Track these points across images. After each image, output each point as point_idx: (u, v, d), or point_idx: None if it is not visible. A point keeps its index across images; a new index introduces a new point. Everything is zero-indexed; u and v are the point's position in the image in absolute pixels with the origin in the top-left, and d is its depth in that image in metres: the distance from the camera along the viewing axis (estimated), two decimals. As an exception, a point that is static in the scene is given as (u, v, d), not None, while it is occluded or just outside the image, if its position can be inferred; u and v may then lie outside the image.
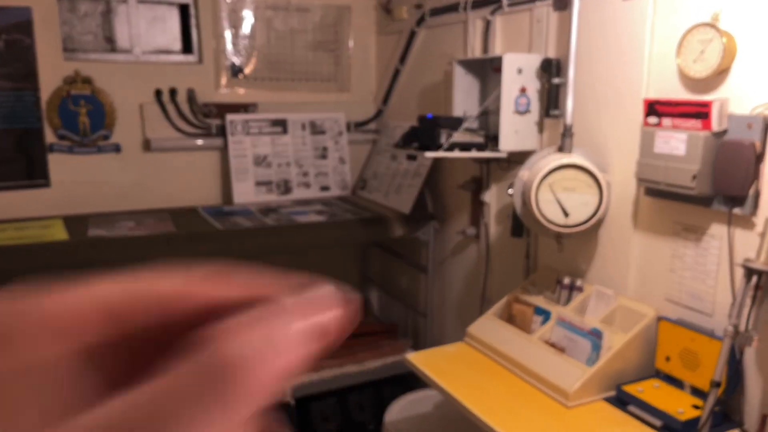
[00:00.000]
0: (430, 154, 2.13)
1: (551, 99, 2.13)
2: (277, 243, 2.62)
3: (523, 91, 2.18)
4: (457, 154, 2.17)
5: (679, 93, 1.67)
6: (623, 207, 1.89)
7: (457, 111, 2.42)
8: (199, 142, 3.09)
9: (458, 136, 2.17)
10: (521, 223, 2.29)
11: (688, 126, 1.54)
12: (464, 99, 2.46)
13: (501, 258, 2.56)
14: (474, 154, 2.21)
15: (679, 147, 1.55)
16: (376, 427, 2.95)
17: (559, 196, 1.85)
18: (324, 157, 3.32)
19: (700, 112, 1.50)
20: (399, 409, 2.47)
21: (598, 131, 1.95)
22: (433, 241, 2.94)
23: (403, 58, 3.20)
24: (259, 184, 3.13)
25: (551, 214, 1.86)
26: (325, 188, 3.31)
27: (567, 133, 1.93)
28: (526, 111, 2.21)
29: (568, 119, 1.93)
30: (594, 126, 1.96)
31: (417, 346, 3.10)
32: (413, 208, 2.84)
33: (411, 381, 2.96)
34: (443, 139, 2.15)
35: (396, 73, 3.28)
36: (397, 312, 3.43)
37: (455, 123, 2.20)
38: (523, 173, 1.98)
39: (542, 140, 2.24)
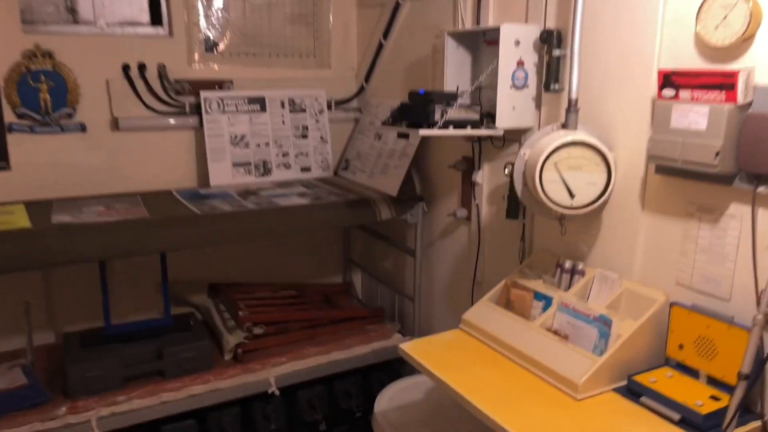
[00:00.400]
0: (424, 132, 2.00)
1: (551, 72, 2.01)
2: (258, 227, 2.46)
3: (520, 64, 2.06)
4: (452, 131, 2.04)
5: (695, 63, 1.55)
6: (630, 186, 1.79)
7: (450, 86, 2.29)
8: (172, 121, 2.91)
9: (453, 113, 2.04)
10: (517, 205, 2.18)
11: (710, 98, 1.42)
12: (456, 74, 2.32)
13: (494, 241, 2.45)
14: (469, 131, 2.08)
15: (699, 121, 1.44)
16: (363, 413, 2.86)
17: (564, 176, 1.74)
18: (304, 136, 3.17)
19: (724, 83, 1.38)
20: (388, 398, 2.37)
21: (603, 106, 1.84)
22: (421, 224, 2.83)
23: (386, 32, 3.05)
24: (236, 165, 2.97)
25: (556, 195, 1.75)
26: (305, 169, 3.16)
27: (572, 108, 1.81)
28: (524, 86, 2.08)
29: (573, 93, 1.82)
30: (599, 100, 1.85)
31: (405, 331, 3.01)
32: (400, 190, 2.72)
33: (399, 366, 2.88)
34: (437, 116, 2.02)
35: (379, 48, 3.13)
36: (382, 296, 3.32)
37: (449, 98, 2.07)
38: (524, 152, 1.86)
39: (540, 117, 2.13)
